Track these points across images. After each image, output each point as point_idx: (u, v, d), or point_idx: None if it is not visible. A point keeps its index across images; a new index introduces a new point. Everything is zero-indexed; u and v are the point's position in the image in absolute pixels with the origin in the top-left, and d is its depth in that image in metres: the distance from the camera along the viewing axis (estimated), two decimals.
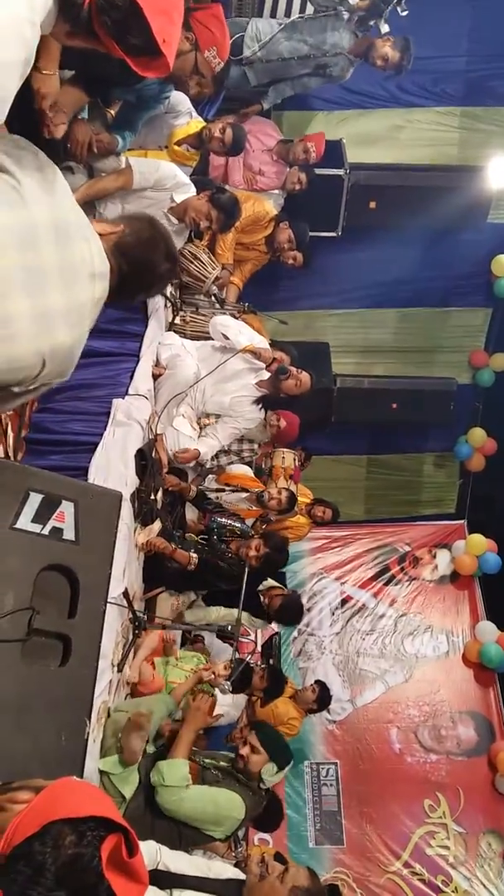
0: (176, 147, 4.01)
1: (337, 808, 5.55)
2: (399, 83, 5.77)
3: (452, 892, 5.33)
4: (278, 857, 2.22)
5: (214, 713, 3.15)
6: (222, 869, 2.31)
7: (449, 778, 5.77)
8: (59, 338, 1.69)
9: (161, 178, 3.62)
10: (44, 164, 1.76)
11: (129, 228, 1.89)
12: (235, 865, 2.39)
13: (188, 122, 3.97)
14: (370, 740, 5.84)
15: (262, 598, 4.57)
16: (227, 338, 4.15)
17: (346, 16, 4.59)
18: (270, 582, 4.72)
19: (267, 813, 3.32)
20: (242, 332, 4.21)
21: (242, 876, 2.24)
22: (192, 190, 3.75)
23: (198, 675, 3.50)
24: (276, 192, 5.15)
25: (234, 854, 3.47)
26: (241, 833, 3.44)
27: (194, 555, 3.65)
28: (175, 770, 2.76)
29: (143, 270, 1.88)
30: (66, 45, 2.03)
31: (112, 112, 3.46)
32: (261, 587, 4.65)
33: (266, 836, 4.79)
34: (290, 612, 4.51)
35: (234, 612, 3.72)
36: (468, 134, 6.20)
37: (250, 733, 3.19)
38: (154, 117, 3.75)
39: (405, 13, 4.64)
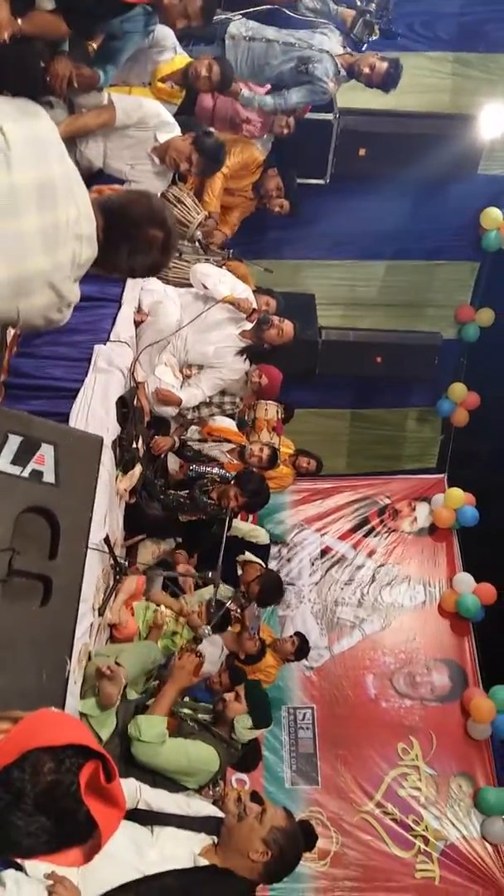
0: (160, 84, 3.88)
1: (313, 751, 5.70)
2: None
3: (423, 830, 5.52)
4: (255, 797, 2.24)
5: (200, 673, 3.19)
6: (201, 806, 2.36)
7: (422, 723, 5.91)
8: (36, 301, 1.75)
9: (144, 116, 3.51)
10: (40, 115, 1.77)
11: (122, 192, 1.91)
12: (213, 804, 2.44)
13: (173, 57, 3.83)
14: (346, 686, 5.96)
15: (238, 568, 4.60)
16: (206, 287, 4.08)
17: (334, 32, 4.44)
18: (249, 556, 4.75)
19: (245, 755, 3.41)
20: (223, 282, 4.14)
21: (221, 814, 2.28)
22: (177, 129, 3.64)
23: (161, 614, 3.57)
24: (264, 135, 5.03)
25: (211, 793, 3.56)
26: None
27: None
28: (152, 727, 2.80)
29: (125, 224, 1.84)
30: None
31: (94, 45, 3.34)
32: (239, 558, 4.68)
33: (243, 776, 4.91)
34: (271, 592, 4.53)
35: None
36: (460, 80, 6.03)
37: (242, 686, 3.26)
38: (138, 52, 3.62)
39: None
